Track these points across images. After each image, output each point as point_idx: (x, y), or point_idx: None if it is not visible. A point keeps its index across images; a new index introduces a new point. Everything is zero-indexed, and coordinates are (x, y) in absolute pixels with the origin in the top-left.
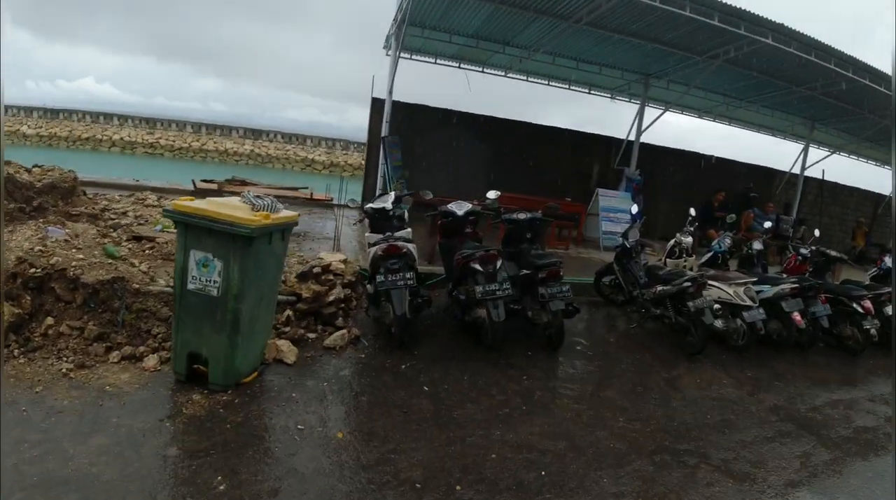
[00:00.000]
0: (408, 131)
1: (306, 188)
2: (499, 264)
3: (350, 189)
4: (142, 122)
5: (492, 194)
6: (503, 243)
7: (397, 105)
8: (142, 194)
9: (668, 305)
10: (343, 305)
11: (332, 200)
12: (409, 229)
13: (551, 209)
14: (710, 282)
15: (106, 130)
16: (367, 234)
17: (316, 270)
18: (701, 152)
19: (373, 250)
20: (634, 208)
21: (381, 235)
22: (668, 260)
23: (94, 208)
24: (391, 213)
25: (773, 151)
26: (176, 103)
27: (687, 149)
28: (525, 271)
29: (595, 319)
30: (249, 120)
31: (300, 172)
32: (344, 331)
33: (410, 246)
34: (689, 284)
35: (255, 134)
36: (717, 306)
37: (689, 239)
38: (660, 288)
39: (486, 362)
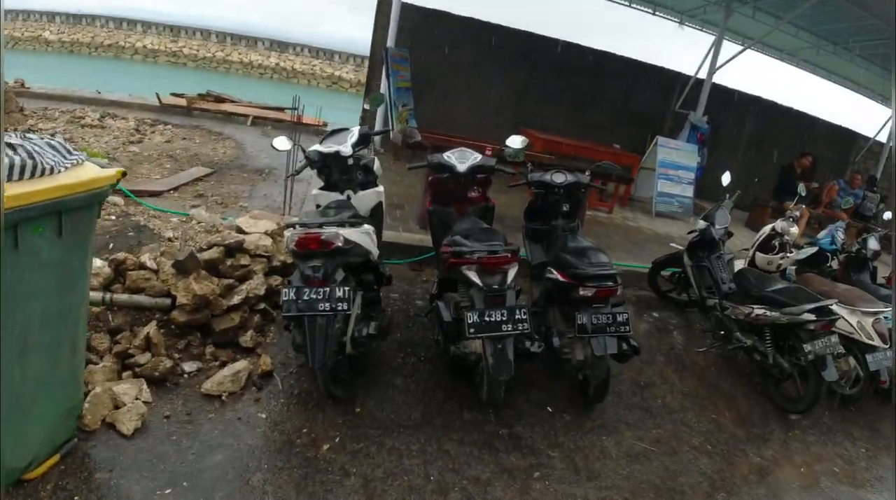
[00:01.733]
0: (421, 44)
1: (294, 109)
2: (511, 274)
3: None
4: (165, 29)
5: (515, 142)
6: (527, 215)
7: (408, 8)
8: (83, 111)
9: (767, 337)
10: (262, 308)
11: (324, 125)
12: (381, 189)
13: (604, 170)
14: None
15: (129, 37)
16: (314, 191)
17: (215, 249)
18: (778, 102)
19: (289, 235)
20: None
21: (338, 196)
22: (758, 254)
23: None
24: (350, 161)
25: (853, 113)
26: (210, 12)
27: (763, 96)
28: (556, 276)
29: (647, 329)
30: (282, 32)
31: (325, 89)
32: (243, 364)
33: (358, 232)
34: (812, 317)
35: (282, 47)
36: (840, 349)
37: (795, 229)
38: (759, 311)
39: (476, 435)
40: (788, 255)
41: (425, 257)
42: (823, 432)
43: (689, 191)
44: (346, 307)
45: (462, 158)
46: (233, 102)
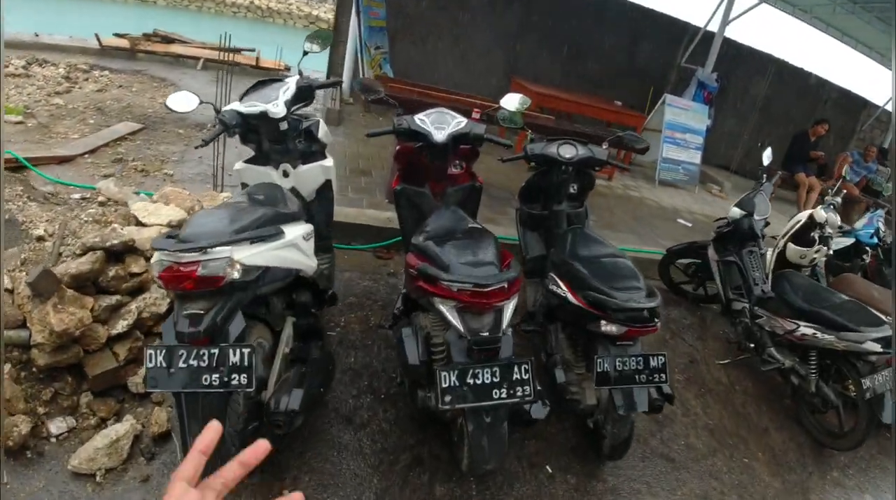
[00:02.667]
0: None
1: (252, 51)
2: (508, 313)
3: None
4: None
5: (512, 102)
6: (524, 196)
7: None
8: (7, 58)
9: (812, 360)
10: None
11: (286, 70)
12: (330, 162)
13: (628, 142)
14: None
15: None
16: (238, 165)
17: (90, 257)
18: (788, 61)
19: (155, 261)
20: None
21: (271, 173)
22: (791, 246)
23: None
24: (284, 125)
25: (862, 79)
26: None
27: (774, 54)
28: (566, 294)
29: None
30: None
31: (302, 29)
32: (125, 426)
33: (271, 250)
34: (877, 348)
35: None
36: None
37: (836, 217)
38: (807, 330)
39: None
40: (826, 249)
41: (395, 241)
42: (868, 474)
43: (696, 157)
44: (245, 381)
45: (440, 123)
46: (183, 42)
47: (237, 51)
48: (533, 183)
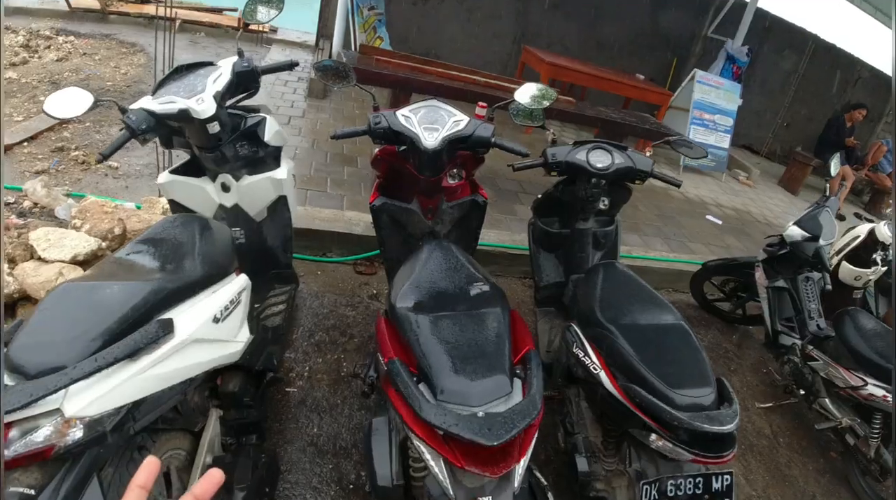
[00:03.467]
0: None
1: (234, 10)
2: (520, 473)
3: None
4: None
5: (526, 93)
6: (540, 209)
7: None
8: None
9: (876, 424)
10: None
11: (273, 32)
12: (283, 172)
13: (681, 146)
14: None
15: None
16: (162, 177)
17: None
18: (820, 36)
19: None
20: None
21: (206, 187)
22: (845, 265)
23: None
24: (216, 127)
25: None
26: None
27: (806, 27)
28: (594, 366)
29: None
30: None
31: None
32: None
33: (140, 381)
34: None
35: None
36: None
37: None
38: (877, 390)
39: None
40: (881, 269)
41: (368, 255)
42: None
43: (724, 141)
44: None
45: (431, 123)
46: (159, 1)
47: (218, 10)
48: (552, 195)
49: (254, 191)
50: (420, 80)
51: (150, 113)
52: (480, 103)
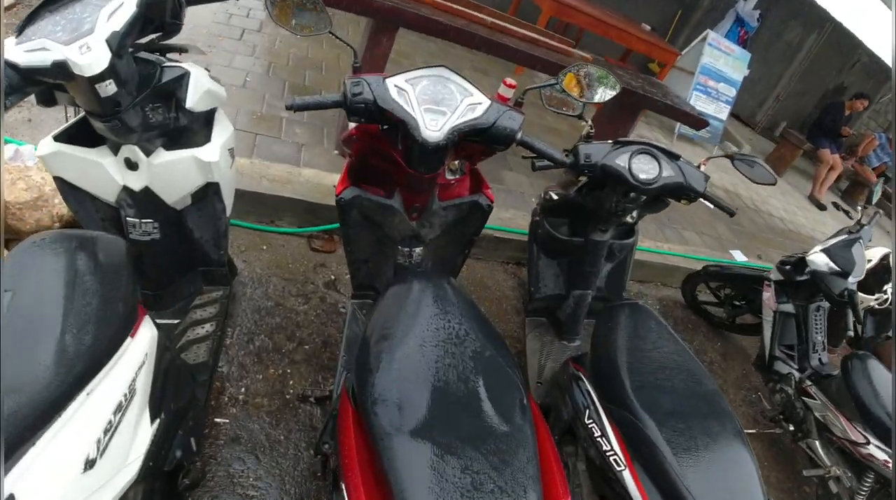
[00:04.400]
0: None
1: None
2: None
3: None
4: None
5: (579, 78)
6: (549, 210)
7: None
8: None
9: (867, 481)
10: None
11: None
12: (214, 153)
13: (739, 164)
14: None
15: None
16: (44, 145)
17: None
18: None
19: None
20: None
21: (107, 155)
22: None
23: None
24: (110, 85)
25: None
26: None
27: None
28: (616, 455)
29: None
30: None
31: None
32: None
33: None
34: None
35: None
36: None
37: None
38: (879, 453)
39: None
40: (885, 297)
41: (325, 228)
42: None
43: (724, 112)
44: None
45: (436, 101)
46: None
47: None
48: (571, 200)
49: (170, 173)
50: (412, 13)
51: (12, 66)
52: (507, 81)
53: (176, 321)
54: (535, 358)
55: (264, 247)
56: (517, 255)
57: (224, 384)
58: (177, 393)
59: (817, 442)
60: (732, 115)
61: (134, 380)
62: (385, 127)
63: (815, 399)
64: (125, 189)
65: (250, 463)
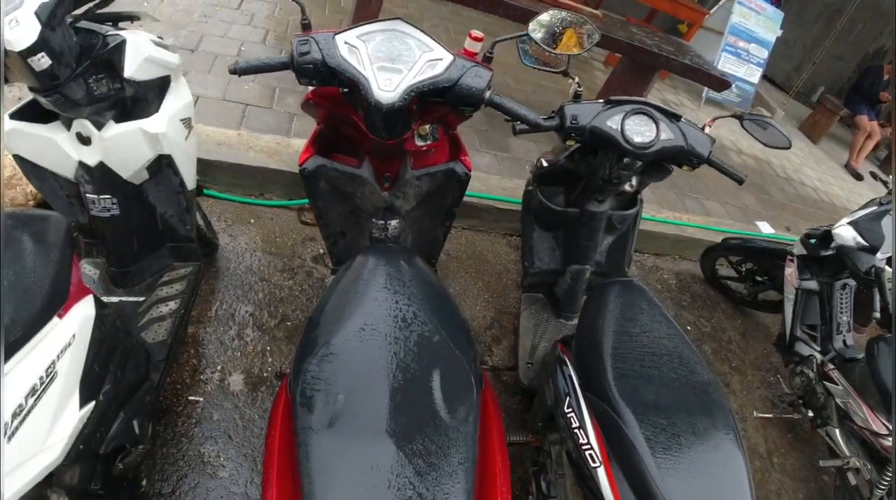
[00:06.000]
0: None
1: None
2: None
3: None
4: None
5: (550, 26)
6: (542, 178)
7: None
8: None
9: (887, 474)
10: None
11: None
12: (161, 125)
13: (750, 125)
14: None
15: None
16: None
17: None
18: None
19: None
20: None
21: (60, 130)
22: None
23: None
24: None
25: None
26: None
27: None
28: (587, 441)
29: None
30: None
31: None
32: None
33: None
34: None
35: None
36: None
37: None
38: None
39: None
40: None
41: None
42: None
43: (755, 75)
44: None
45: (391, 59)
46: None
47: None
48: (565, 167)
49: (121, 146)
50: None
51: None
52: (473, 33)
53: (141, 299)
54: (528, 337)
55: (252, 221)
56: (519, 226)
57: (200, 361)
58: (121, 374)
59: (837, 430)
60: (766, 78)
61: (54, 363)
62: (345, 90)
63: (836, 385)
64: (81, 165)
65: (222, 443)
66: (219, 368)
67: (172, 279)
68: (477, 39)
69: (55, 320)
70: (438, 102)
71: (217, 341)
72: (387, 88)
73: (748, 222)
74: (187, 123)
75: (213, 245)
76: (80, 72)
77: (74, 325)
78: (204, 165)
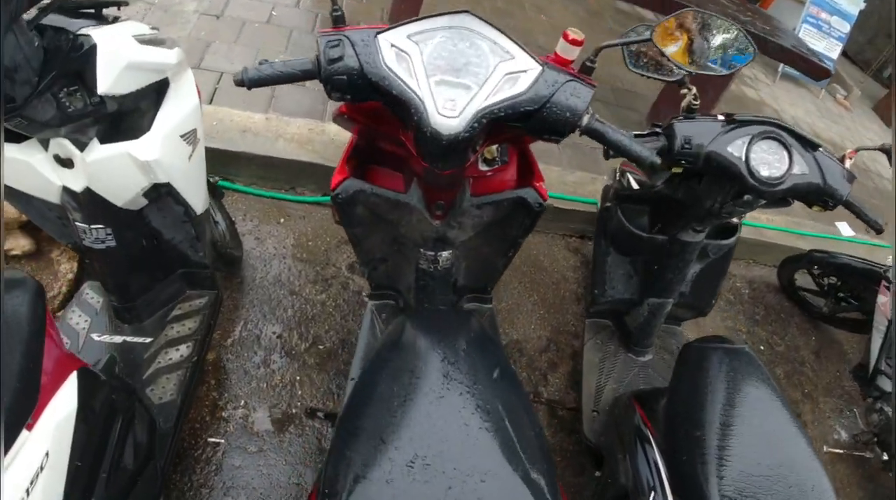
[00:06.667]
0: None
1: None
2: None
3: None
4: None
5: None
6: (623, 197)
7: None
8: None
9: None
10: None
11: None
12: (152, 152)
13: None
14: None
15: None
16: None
17: None
18: None
19: None
20: None
21: (37, 152)
22: None
23: None
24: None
25: None
26: None
27: None
28: None
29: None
30: None
31: None
32: None
33: None
34: None
35: None
36: None
37: None
38: None
39: None
40: None
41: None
42: None
43: (835, 50)
44: None
45: (455, 68)
46: None
47: None
48: (661, 193)
49: (107, 173)
50: None
51: None
52: (570, 33)
53: (149, 340)
54: (594, 375)
55: (281, 220)
56: (582, 227)
57: (221, 394)
58: (119, 461)
59: None
60: (849, 59)
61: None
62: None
63: None
64: (66, 190)
65: (245, 496)
66: (242, 402)
67: (185, 313)
68: (575, 43)
69: (23, 434)
70: (516, 127)
71: (240, 370)
72: (449, 112)
73: (828, 223)
74: (191, 137)
75: (236, 258)
76: (45, 87)
77: (48, 436)
78: (228, 157)
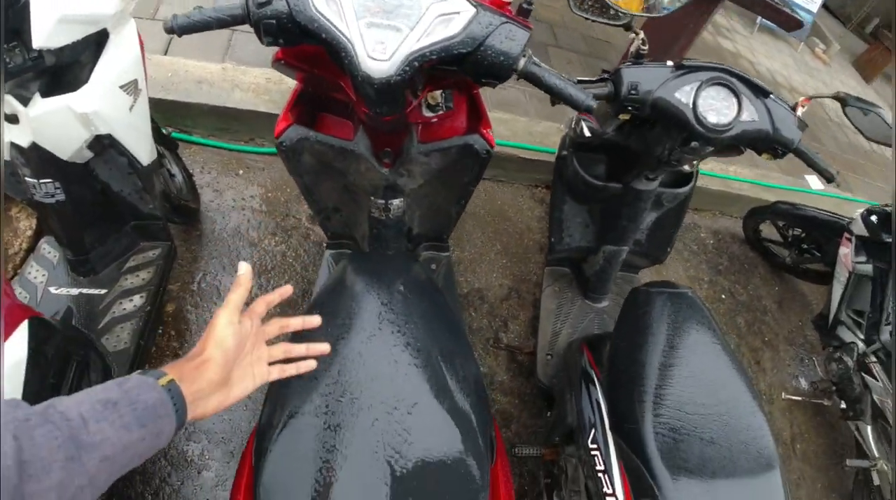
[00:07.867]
0: None
1: None
2: None
3: None
4: None
5: None
6: (579, 145)
7: None
8: None
9: None
10: None
11: None
12: (89, 103)
13: (852, 109)
14: None
15: None
16: None
17: None
18: None
19: None
20: None
21: None
22: None
23: None
24: None
25: None
26: None
27: None
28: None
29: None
30: None
31: None
32: None
33: None
34: None
35: None
36: None
37: None
38: None
39: None
40: None
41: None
42: None
43: (814, 2)
44: None
45: (387, 9)
46: None
47: None
48: (612, 140)
49: (50, 126)
50: None
51: None
52: None
53: (104, 291)
54: (550, 321)
55: (240, 172)
56: (548, 178)
57: (182, 345)
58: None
59: (869, 428)
60: (830, 12)
61: None
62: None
63: (876, 380)
64: (13, 145)
65: (206, 442)
66: None
67: (139, 264)
68: None
69: None
70: (451, 70)
71: (201, 320)
72: (378, 55)
73: (796, 176)
74: (131, 88)
75: (193, 210)
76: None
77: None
78: (185, 108)
